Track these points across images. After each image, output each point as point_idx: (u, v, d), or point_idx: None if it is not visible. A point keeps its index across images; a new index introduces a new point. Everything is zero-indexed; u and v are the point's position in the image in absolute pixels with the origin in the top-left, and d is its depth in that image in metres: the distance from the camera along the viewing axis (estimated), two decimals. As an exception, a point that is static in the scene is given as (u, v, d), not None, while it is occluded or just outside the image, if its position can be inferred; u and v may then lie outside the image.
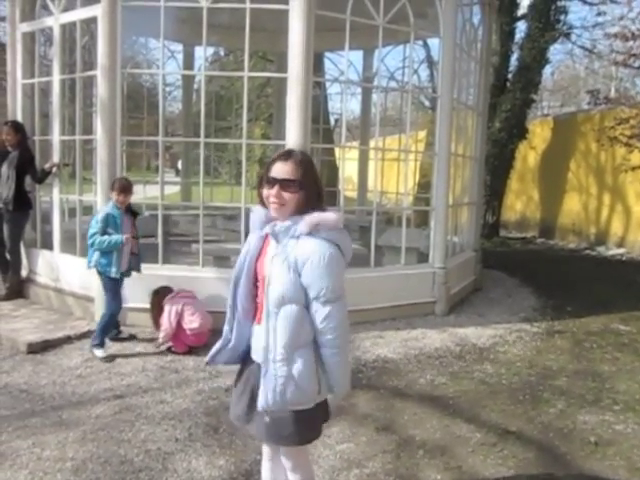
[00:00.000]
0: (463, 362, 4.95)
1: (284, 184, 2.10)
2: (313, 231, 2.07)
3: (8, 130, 6.20)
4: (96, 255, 4.76)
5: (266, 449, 2.45)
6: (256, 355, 2.22)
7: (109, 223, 4.73)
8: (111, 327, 4.98)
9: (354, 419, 3.78)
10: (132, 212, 4.99)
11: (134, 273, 5.01)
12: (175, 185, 12.35)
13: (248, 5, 5.33)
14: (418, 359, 4.98)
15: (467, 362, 4.96)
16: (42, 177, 6.19)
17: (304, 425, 2.18)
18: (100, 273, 4.81)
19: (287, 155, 2.16)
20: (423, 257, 6.67)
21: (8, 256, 6.31)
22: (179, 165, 19.49)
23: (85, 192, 6.16)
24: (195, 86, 11.52)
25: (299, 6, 5.24)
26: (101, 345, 4.78)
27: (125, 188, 4.84)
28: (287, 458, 2.32)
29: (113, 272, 4.74)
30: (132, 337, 5.19)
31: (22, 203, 6.21)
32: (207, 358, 2.40)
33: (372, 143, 9.96)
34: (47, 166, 6.11)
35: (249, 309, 2.24)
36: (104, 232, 4.70)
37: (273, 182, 2.11)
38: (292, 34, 5.31)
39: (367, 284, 5.78)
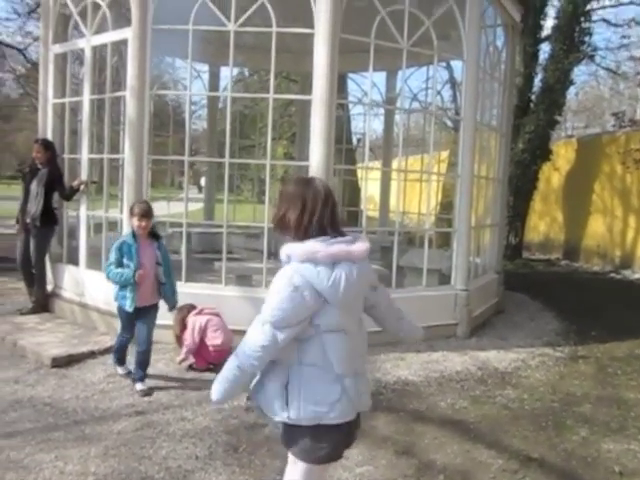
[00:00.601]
0: (485, 386, 4.90)
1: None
2: (290, 259, 2.15)
3: (38, 148, 6.36)
4: (116, 287, 4.45)
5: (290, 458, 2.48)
6: None
7: (123, 252, 4.35)
8: (125, 349, 4.76)
9: (373, 442, 3.76)
10: (154, 235, 4.53)
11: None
12: (198, 202, 12.49)
13: (274, 29, 5.42)
14: (439, 382, 4.94)
15: (489, 386, 4.90)
16: (70, 194, 6.33)
17: (303, 441, 2.21)
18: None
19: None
20: (445, 279, 6.64)
21: (34, 271, 6.44)
22: (202, 182, 19.71)
23: (110, 207, 6.27)
24: (220, 105, 11.69)
25: (324, 30, 5.31)
26: (120, 363, 4.79)
27: (146, 213, 4.37)
28: (289, 468, 2.38)
29: (127, 305, 4.39)
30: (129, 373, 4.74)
31: (48, 219, 6.34)
32: None
33: (395, 163, 9.99)
34: (75, 183, 6.25)
35: None
36: (120, 263, 4.35)
37: None
38: (317, 56, 5.39)
39: (388, 305, 5.75)
